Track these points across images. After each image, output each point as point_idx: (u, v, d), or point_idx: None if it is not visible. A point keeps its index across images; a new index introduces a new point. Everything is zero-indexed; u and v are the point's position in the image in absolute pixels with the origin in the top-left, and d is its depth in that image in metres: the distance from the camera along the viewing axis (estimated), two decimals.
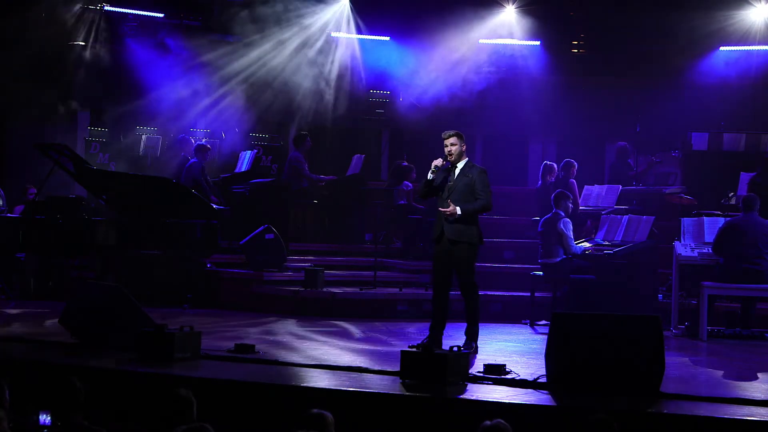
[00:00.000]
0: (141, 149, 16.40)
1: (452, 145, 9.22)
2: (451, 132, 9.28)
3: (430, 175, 9.24)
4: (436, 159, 9.23)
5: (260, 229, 13.24)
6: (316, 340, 10.03)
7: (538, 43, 16.45)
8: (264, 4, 16.06)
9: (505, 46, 16.61)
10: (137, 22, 16.43)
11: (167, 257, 12.63)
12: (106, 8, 16.31)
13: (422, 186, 9.43)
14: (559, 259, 11.89)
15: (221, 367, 8.04)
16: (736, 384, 8.13)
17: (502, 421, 4.87)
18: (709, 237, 11.40)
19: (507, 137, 17.82)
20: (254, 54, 16.38)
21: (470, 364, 7.97)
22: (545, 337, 7.87)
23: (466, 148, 9.38)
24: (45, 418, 5.33)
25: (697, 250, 11.28)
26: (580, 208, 13.68)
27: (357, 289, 12.71)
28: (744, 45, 16.09)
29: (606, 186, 14.19)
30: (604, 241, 12.26)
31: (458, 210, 9.08)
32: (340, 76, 16.91)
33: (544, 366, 7.51)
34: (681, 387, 7.46)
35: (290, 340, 9.99)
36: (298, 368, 8.09)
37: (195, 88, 16.27)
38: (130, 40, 16.29)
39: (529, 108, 16.36)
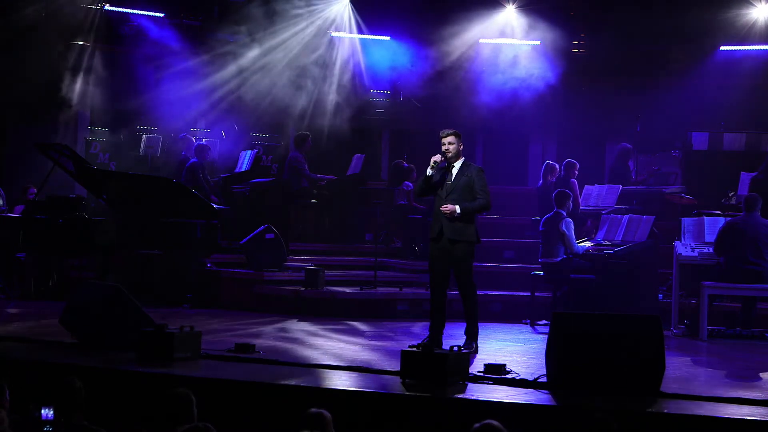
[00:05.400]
0: (141, 149, 16.41)
1: (450, 143, 9.20)
2: (450, 131, 9.27)
3: (429, 171, 9.20)
4: (435, 155, 9.21)
5: (260, 228, 13.23)
6: (316, 340, 10.03)
7: (538, 42, 16.45)
8: (264, 3, 16.07)
9: (505, 45, 16.62)
10: (137, 22, 16.44)
11: (167, 257, 12.63)
12: (106, 8, 16.32)
13: (421, 182, 9.39)
14: (559, 258, 11.89)
15: (221, 367, 8.03)
16: (736, 384, 8.13)
17: (494, 421, 4.85)
18: (709, 237, 11.40)
19: (507, 137, 17.82)
20: (254, 53, 16.39)
21: (470, 363, 7.96)
22: (545, 336, 7.87)
23: (464, 148, 9.38)
24: (47, 413, 5.33)
25: (698, 250, 11.28)
26: (581, 207, 13.69)
27: (357, 289, 12.71)
28: (744, 45, 16.10)
29: (606, 186, 14.19)
30: (604, 240, 12.26)
31: (458, 209, 9.07)
32: (341, 76, 16.91)
33: (544, 366, 7.51)
34: (681, 387, 7.45)
35: (290, 340, 9.99)
36: (298, 368, 8.09)
37: (195, 88, 16.28)
38: (130, 40, 16.30)
39: (529, 108, 16.36)
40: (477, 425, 4.83)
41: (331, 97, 16.76)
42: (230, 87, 16.46)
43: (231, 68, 16.39)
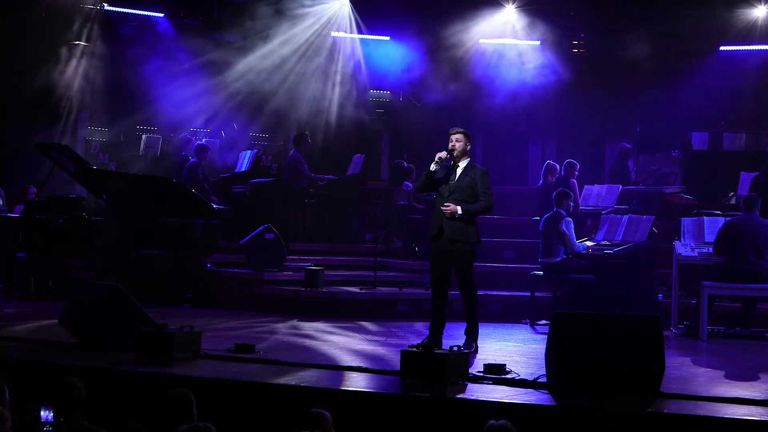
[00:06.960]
0: (141, 149, 16.41)
1: (457, 141, 9.19)
2: (459, 129, 9.29)
3: (433, 167, 9.17)
4: (440, 152, 9.19)
5: (260, 228, 13.23)
6: (316, 340, 10.03)
7: (538, 42, 16.46)
8: (264, 3, 16.07)
9: (505, 45, 16.62)
10: (137, 22, 16.44)
11: (167, 257, 12.63)
12: (106, 8, 16.32)
13: (423, 176, 9.35)
14: (559, 258, 11.89)
15: (221, 367, 8.03)
16: (736, 384, 8.12)
17: (508, 422, 4.85)
18: (709, 237, 11.40)
19: (507, 137, 17.82)
20: (254, 53, 16.39)
21: (470, 363, 7.96)
22: (545, 337, 7.87)
23: (469, 149, 9.38)
24: (47, 415, 5.33)
25: (697, 250, 11.28)
26: (581, 207, 13.69)
27: (357, 289, 12.71)
28: (744, 45, 16.10)
29: (606, 186, 14.19)
30: (604, 240, 12.26)
31: (459, 209, 9.07)
32: (341, 76, 16.91)
33: (544, 366, 7.51)
34: (681, 387, 7.45)
35: (290, 340, 9.98)
36: (298, 368, 8.09)
37: (195, 88, 16.28)
38: (130, 40, 16.29)
39: (530, 107, 16.36)
40: (494, 422, 4.82)
41: (331, 97, 16.75)
42: (230, 87, 16.46)
43: (231, 68, 16.39)
